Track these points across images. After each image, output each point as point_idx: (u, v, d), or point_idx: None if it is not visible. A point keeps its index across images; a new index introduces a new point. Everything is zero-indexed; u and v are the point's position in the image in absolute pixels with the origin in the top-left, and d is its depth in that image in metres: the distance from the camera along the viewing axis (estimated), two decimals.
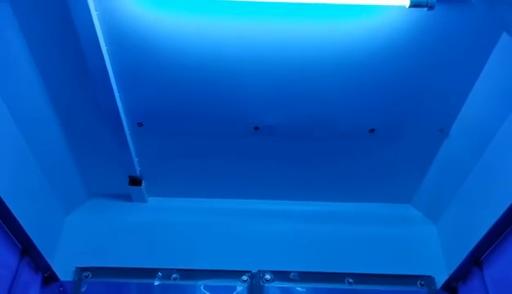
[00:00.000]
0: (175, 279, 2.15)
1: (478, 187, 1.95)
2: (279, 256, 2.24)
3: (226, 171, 2.27)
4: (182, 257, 2.22)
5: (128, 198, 2.39)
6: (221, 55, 1.74)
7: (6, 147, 1.76)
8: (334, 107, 1.94)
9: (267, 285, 2.15)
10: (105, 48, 1.68)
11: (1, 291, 1.74)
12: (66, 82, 1.82)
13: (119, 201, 2.41)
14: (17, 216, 1.71)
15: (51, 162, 2.06)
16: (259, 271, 2.17)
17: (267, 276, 2.16)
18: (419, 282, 2.17)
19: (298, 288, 2.17)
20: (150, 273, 2.16)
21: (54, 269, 2.07)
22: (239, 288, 2.15)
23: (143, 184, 2.31)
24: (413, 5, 1.52)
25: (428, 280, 2.17)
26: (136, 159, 2.17)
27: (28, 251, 1.89)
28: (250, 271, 2.17)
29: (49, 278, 2.07)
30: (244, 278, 2.16)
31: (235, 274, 2.17)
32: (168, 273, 2.16)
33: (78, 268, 2.16)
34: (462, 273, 2.02)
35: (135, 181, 2.28)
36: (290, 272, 2.18)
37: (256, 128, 2.04)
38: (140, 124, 2.02)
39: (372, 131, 2.04)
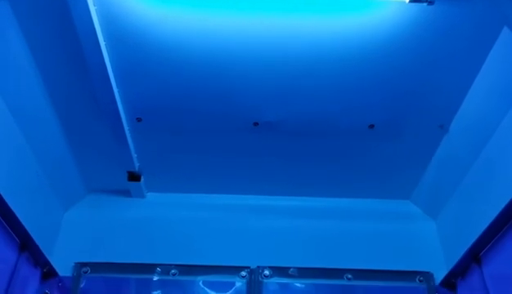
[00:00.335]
0: (174, 275, 2.16)
1: (478, 183, 1.95)
2: (278, 252, 2.24)
3: (225, 167, 2.27)
4: (181, 253, 2.22)
5: (126, 193, 2.39)
6: (220, 51, 1.74)
7: (5, 143, 1.76)
8: (334, 103, 1.94)
9: (265, 281, 2.15)
10: (104, 43, 1.67)
11: (0, 286, 1.74)
12: (65, 77, 1.82)
13: (118, 196, 2.41)
14: (16, 211, 1.71)
15: (49, 157, 2.06)
16: (258, 267, 2.17)
17: (266, 272, 2.16)
18: (418, 278, 2.17)
19: (297, 284, 2.17)
20: (149, 268, 2.16)
21: (53, 264, 2.07)
22: (238, 284, 2.15)
23: (142, 179, 2.31)
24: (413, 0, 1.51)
25: (427, 276, 2.17)
26: (135, 155, 2.17)
27: (26, 246, 1.89)
28: (249, 267, 2.17)
29: (48, 273, 2.08)
30: (243, 273, 2.16)
31: (234, 270, 2.17)
32: (166, 268, 2.17)
33: (77, 263, 2.16)
34: (461, 270, 2.02)
35: (134, 177, 2.28)
36: (289, 268, 2.18)
37: (255, 124, 2.04)
38: (139, 119, 2.02)
39: (372, 126, 2.04)
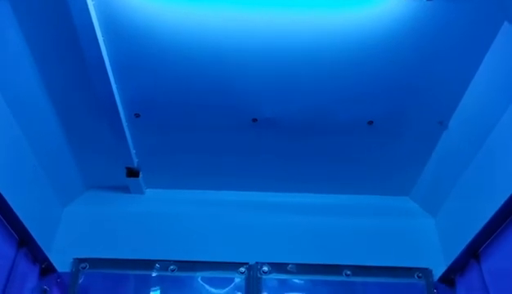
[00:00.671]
0: (172, 271, 2.16)
1: (477, 180, 1.94)
2: (276, 248, 2.24)
3: (223, 163, 2.27)
4: (180, 249, 2.22)
5: (125, 189, 2.39)
6: (219, 46, 1.73)
7: (3, 139, 1.76)
8: (333, 99, 1.93)
9: (264, 277, 2.15)
10: (102, 38, 1.66)
11: None
12: (63, 73, 1.81)
13: (117, 192, 2.41)
14: (14, 207, 1.71)
15: (48, 153, 2.05)
16: (257, 263, 2.17)
17: (265, 268, 2.16)
18: (416, 274, 2.17)
19: (296, 280, 2.17)
20: (148, 264, 2.16)
21: (51, 260, 2.07)
22: (236, 280, 2.15)
23: (141, 175, 2.30)
24: None
25: (425, 272, 2.17)
26: (133, 151, 2.16)
27: (25, 242, 1.89)
28: (248, 263, 2.18)
29: (46, 269, 2.08)
30: (242, 269, 2.16)
31: (233, 266, 2.17)
32: (165, 264, 2.16)
33: (75, 259, 2.16)
34: (460, 266, 2.03)
35: (132, 173, 2.28)
36: (288, 264, 2.18)
37: (254, 120, 2.04)
38: (137, 115, 2.01)
39: (371, 123, 2.04)
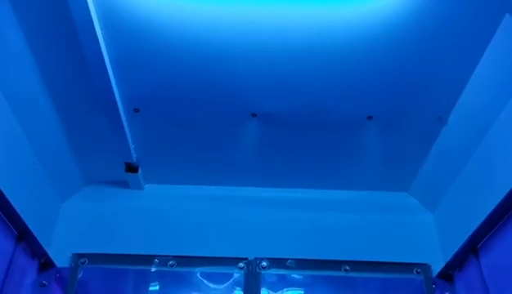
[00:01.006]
0: (171, 266, 2.15)
1: (476, 175, 1.94)
2: (275, 244, 2.24)
3: (223, 158, 2.26)
4: (179, 244, 2.22)
5: (124, 184, 2.38)
6: (218, 41, 1.73)
7: (2, 134, 1.75)
8: (332, 94, 1.93)
9: (263, 272, 2.15)
10: (101, 32, 1.65)
11: None
12: (62, 67, 1.80)
13: (116, 188, 2.40)
14: (13, 202, 1.71)
15: (46, 148, 2.05)
16: (256, 258, 2.17)
17: (264, 263, 2.16)
18: (415, 269, 2.17)
19: (295, 275, 2.18)
20: (147, 259, 2.16)
21: (50, 255, 2.07)
22: (235, 275, 2.15)
23: (140, 171, 2.30)
24: None
25: (424, 268, 2.17)
26: (132, 146, 2.16)
27: (24, 237, 1.89)
28: (247, 258, 2.17)
29: (45, 264, 2.08)
30: (241, 265, 2.16)
31: (232, 261, 2.16)
32: (164, 259, 2.16)
33: (74, 254, 2.16)
34: (458, 261, 2.03)
35: (131, 168, 2.27)
36: (287, 259, 2.18)
37: (253, 115, 2.03)
38: (136, 110, 2.01)
39: (370, 118, 2.03)
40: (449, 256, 2.05)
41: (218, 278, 2.15)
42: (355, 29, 1.68)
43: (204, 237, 2.26)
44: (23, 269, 1.91)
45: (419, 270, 2.17)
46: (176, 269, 2.16)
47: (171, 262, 2.16)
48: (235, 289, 2.14)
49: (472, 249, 1.94)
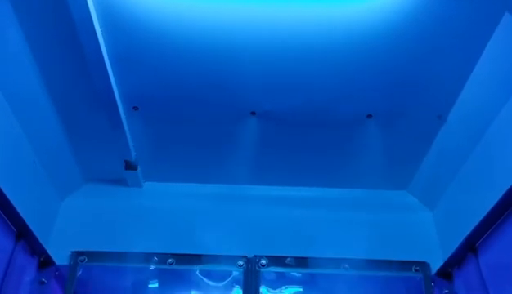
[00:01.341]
0: (170, 264, 2.16)
1: (475, 174, 1.95)
2: (275, 242, 2.24)
3: (222, 156, 2.26)
4: (178, 242, 2.22)
5: (123, 182, 2.38)
6: (218, 40, 1.72)
7: (2, 132, 1.75)
8: (332, 92, 1.93)
9: (262, 270, 2.16)
10: (100, 30, 1.65)
11: None
12: (61, 66, 1.80)
13: (115, 186, 2.40)
14: (13, 200, 1.71)
15: (46, 146, 2.05)
16: (255, 256, 2.18)
17: (263, 261, 2.16)
18: (414, 267, 2.17)
19: (294, 273, 2.18)
20: (146, 257, 2.16)
21: (50, 253, 2.07)
22: (234, 273, 2.16)
23: (139, 169, 2.30)
24: None
25: (423, 266, 2.17)
26: (131, 144, 2.16)
27: (23, 235, 1.89)
28: (246, 256, 2.18)
29: (45, 262, 2.08)
30: (240, 263, 2.16)
31: (231, 259, 2.17)
32: (163, 257, 2.16)
33: (73, 252, 2.16)
34: (457, 260, 2.03)
35: (131, 166, 2.27)
36: (286, 257, 2.18)
37: (253, 113, 2.03)
38: (135, 108, 2.01)
39: (370, 116, 2.04)
40: (448, 254, 2.06)
41: (218, 276, 2.16)
42: (354, 28, 1.67)
43: (204, 235, 2.26)
44: (22, 267, 1.92)
45: (418, 268, 2.17)
46: (175, 266, 2.16)
47: (170, 260, 2.16)
48: (234, 287, 2.14)
49: (471, 247, 1.94)
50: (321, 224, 2.31)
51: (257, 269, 2.15)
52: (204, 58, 1.79)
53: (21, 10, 1.59)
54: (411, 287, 2.17)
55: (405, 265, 2.18)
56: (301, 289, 2.17)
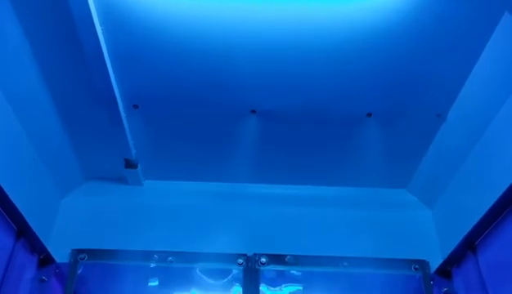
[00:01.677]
0: (171, 262, 2.16)
1: (475, 172, 1.95)
2: (274, 240, 2.25)
3: (222, 155, 2.26)
4: (178, 240, 2.22)
5: (123, 181, 2.38)
6: (218, 38, 1.72)
7: (2, 130, 1.75)
8: (332, 91, 1.93)
9: (262, 268, 2.16)
10: (100, 28, 1.65)
11: None
12: (61, 63, 1.80)
13: (115, 184, 2.40)
14: (13, 198, 1.71)
15: (46, 144, 2.05)
16: (255, 254, 2.18)
17: (263, 259, 2.17)
18: (413, 266, 2.18)
19: (294, 272, 2.18)
20: (146, 255, 2.17)
21: (50, 251, 2.07)
22: (234, 271, 2.16)
23: (139, 167, 2.30)
24: None
25: (422, 264, 2.18)
26: (132, 142, 2.16)
27: (23, 232, 1.89)
28: (246, 254, 2.18)
29: (45, 259, 2.08)
30: (240, 261, 2.16)
31: (231, 257, 2.17)
32: (163, 255, 2.17)
33: (73, 250, 2.17)
34: (456, 258, 2.04)
35: (131, 164, 2.27)
36: (286, 255, 2.19)
37: (253, 112, 2.04)
38: (135, 106, 2.01)
39: (369, 115, 2.04)
40: (447, 253, 2.06)
41: (217, 274, 2.16)
42: (355, 27, 1.67)
43: (203, 233, 2.27)
44: (22, 265, 1.92)
45: (417, 267, 2.17)
46: (175, 264, 2.17)
47: (170, 258, 2.17)
48: (234, 285, 2.15)
49: (470, 246, 1.94)
50: (320, 222, 2.32)
51: (257, 267, 2.16)
52: (205, 56, 1.79)
53: (21, 7, 1.59)
54: (411, 285, 2.17)
55: (404, 263, 2.18)
56: (301, 287, 2.18)
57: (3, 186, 1.65)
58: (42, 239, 1.99)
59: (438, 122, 2.05)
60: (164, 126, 2.12)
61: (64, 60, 1.78)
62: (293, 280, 2.18)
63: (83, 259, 2.15)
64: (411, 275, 2.17)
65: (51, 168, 2.15)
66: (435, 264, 2.16)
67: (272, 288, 2.16)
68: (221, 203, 2.36)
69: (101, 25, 1.65)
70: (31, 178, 2.01)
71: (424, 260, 2.19)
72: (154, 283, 2.17)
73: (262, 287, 2.14)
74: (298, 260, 2.18)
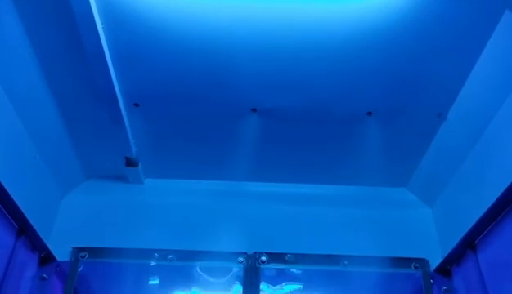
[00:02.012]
0: (171, 260, 2.16)
1: (474, 171, 1.95)
2: (275, 238, 2.25)
3: (223, 153, 2.27)
4: (179, 238, 2.23)
5: (124, 179, 2.39)
6: (219, 37, 1.72)
7: (3, 128, 1.75)
8: (332, 90, 1.93)
9: (262, 266, 2.16)
10: (101, 27, 1.65)
11: None
12: (62, 61, 1.80)
13: (116, 182, 2.41)
14: (14, 196, 1.71)
15: (47, 143, 2.05)
16: (255, 253, 2.18)
17: (263, 257, 2.17)
18: (413, 264, 2.18)
19: (294, 270, 2.19)
20: (147, 253, 2.17)
21: (51, 249, 2.08)
22: (234, 269, 2.16)
23: (140, 165, 2.30)
24: None
25: (422, 263, 2.18)
26: (132, 140, 2.16)
27: (24, 231, 1.89)
28: (246, 253, 2.18)
29: (46, 258, 2.08)
30: (240, 259, 2.17)
31: (231, 256, 2.18)
32: (164, 253, 2.17)
33: (74, 248, 2.17)
34: (456, 256, 2.04)
35: (131, 163, 2.27)
36: (286, 254, 2.19)
37: (253, 110, 2.04)
38: (136, 105, 2.01)
39: (370, 114, 2.04)
40: (447, 252, 2.06)
41: (218, 273, 2.16)
42: (355, 26, 1.68)
43: (204, 231, 2.27)
44: (23, 263, 1.92)
45: (417, 265, 2.18)
46: (175, 263, 2.17)
47: (170, 256, 2.17)
48: (234, 283, 2.15)
49: (470, 244, 1.95)
50: (320, 221, 2.32)
51: (257, 265, 2.16)
52: (205, 55, 1.79)
53: (22, 5, 1.59)
54: (410, 283, 2.17)
55: (404, 261, 2.19)
56: (301, 285, 2.18)
57: (4, 184, 1.65)
58: (42, 237, 1.99)
59: (438, 121, 2.05)
60: (165, 125, 2.12)
61: (65, 59, 1.79)
62: (293, 278, 2.19)
63: (83, 257, 2.16)
64: (411, 274, 2.18)
65: (52, 166, 2.15)
66: (435, 262, 2.16)
67: (273, 287, 2.16)
68: (221, 202, 2.36)
69: (102, 24, 1.65)
70: (32, 176, 2.02)
71: (423, 259, 2.19)
72: (154, 281, 2.17)
73: (263, 286, 2.14)
74: (298, 259, 2.19)
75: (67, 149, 2.19)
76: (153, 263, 2.17)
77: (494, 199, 1.70)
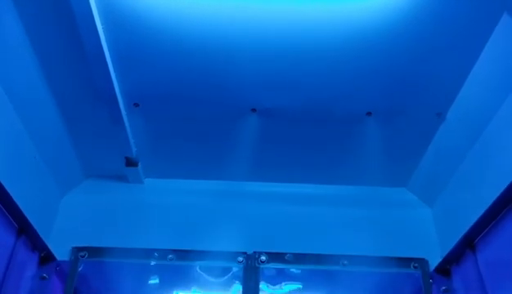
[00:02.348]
0: (171, 260, 2.16)
1: (474, 171, 1.95)
2: (274, 238, 2.25)
3: (222, 153, 2.27)
4: (178, 238, 2.23)
5: (124, 179, 2.39)
6: (219, 37, 1.73)
7: (3, 128, 1.75)
8: (332, 90, 1.93)
9: (262, 266, 2.16)
10: (101, 27, 1.66)
11: None
12: (62, 61, 1.80)
13: (116, 182, 2.40)
14: (13, 195, 1.71)
15: (47, 142, 2.05)
16: (255, 252, 2.19)
17: (263, 257, 2.17)
18: (412, 264, 2.18)
19: (293, 270, 2.19)
20: (146, 253, 2.17)
21: (51, 248, 2.08)
22: (234, 269, 2.17)
23: (139, 165, 2.30)
24: None
25: (421, 263, 2.18)
26: (132, 140, 2.16)
27: (24, 230, 1.90)
28: (246, 252, 2.19)
29: (46, 257, 2.09)
30: (240, 259, 2.17)
31: (231, 255, 2.18)
32: (164, 253, 2.17)
33: (74, 248, 2.17)
34: (456, 256, 2.04)
35: (131, 162, 2.28)
36: (286, 253, 2.19)
37: (253, 110, 2.04)
38: (136, 105, 2.01)
39: (369, 114, 2.04)
40: (446, 251, 2.06)
41: (217, 272, 2.17)
42: (354, 26, 1.68)
43: (204, 231, 2.27)
44: (23, 263, 1.92)
45: (416, 265, 2.18)
46: (175, 262, 2.17)
47: (170, 256, 2.17)
48: (234, 283, 2.16)
49: (469, 244, 1.95)
50: (320, 220, 2.32)
51: (256, 265, 2.16)
52: (205, 55, 1.79)
53: (22, 5, 1.59)
54: (410, 283, 2.18)
55: (404, 261, 2.19)
56: (300, 285, 2.19)
57: (4, 184, 1.65)
58: (42, 237, 1.99)
59: (438, 121, 2.05)
60: (165, 125, 2.12)
61: (65, 59, 1.79)
62: (292, 278, 2.19)
63: (83, 257, 2.16)
64: (411, 273, 2.18)
65: (52, 166, 2.15)
66: (434, 262, 2.16)
67: (272, 286, 2.16)
68: (221, 201, 2.37)
69: (102, 24, 1.65)
70: (32, 176, 2.02)
71: (423, 259, 2.19)
72: (154, 281, 2.18)
73: (262, 285, 2.14)
74: (297, 258, 2.18)
75: (67, 149, 2.20)
76: (153, 263, 2.17)
77: (493, 199, 1.70)
